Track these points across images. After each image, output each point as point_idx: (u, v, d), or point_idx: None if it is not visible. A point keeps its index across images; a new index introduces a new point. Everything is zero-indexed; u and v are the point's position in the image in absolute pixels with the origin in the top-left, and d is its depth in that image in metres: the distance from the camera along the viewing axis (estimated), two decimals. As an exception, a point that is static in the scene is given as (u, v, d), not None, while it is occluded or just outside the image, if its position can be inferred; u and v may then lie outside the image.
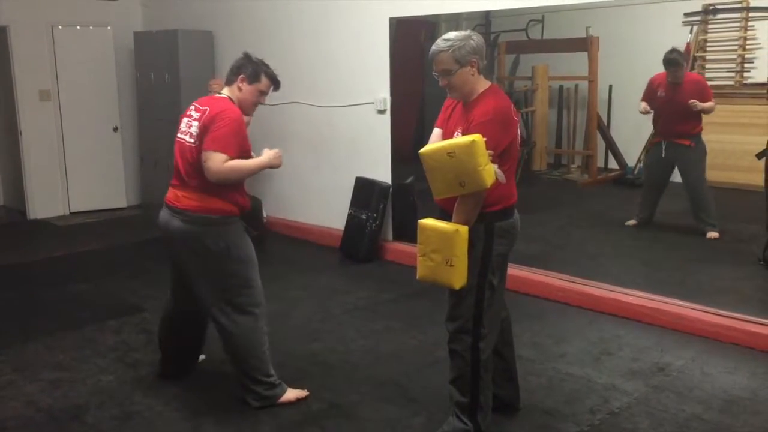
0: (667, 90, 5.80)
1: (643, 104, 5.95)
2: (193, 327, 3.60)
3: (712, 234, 5.76)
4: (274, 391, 3.37)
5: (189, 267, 3.31)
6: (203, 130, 3.15)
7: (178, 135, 3.32)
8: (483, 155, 2.57)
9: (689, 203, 5.91)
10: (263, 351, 3.35)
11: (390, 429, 3.19)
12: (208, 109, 3.21)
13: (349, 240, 5.98)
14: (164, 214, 3.32)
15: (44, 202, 7.56)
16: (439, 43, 2.80)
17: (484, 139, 2.61)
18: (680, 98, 5.70)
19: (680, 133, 5.79)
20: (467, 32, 2.82)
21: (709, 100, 5.70)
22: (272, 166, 3.31)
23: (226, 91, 3.34)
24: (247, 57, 3.38)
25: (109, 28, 7.63)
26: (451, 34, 2.80)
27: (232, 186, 3.24)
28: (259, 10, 6.70)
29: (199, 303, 3.37)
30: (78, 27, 7.50)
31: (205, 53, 7.11)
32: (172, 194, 3.31)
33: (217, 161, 3.09)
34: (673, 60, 5.70)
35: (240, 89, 3.30)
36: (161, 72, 7.08)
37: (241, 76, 3.30)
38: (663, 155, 5.87)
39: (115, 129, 7.80)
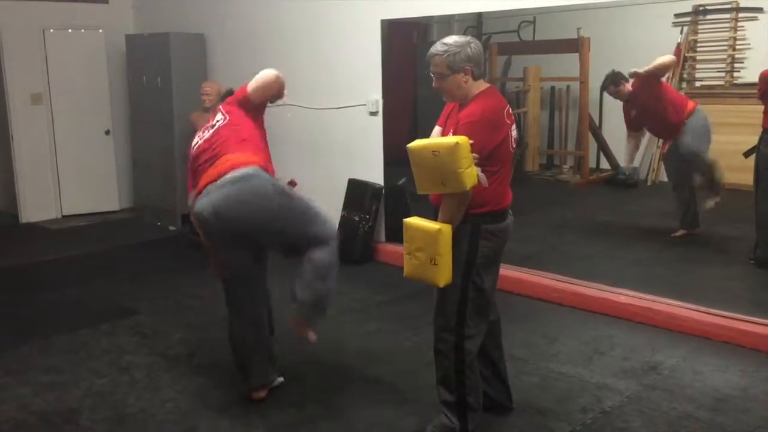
0: (632, 106, 5.79)
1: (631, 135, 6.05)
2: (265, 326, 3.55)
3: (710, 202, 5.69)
4: None
5: (244, 234, 3.19)
6: (228, 107, 3.46)
7: (204, 141, 3.41)
8: (466, 158, 2.59)
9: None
10: None
11: (384, 429, 3.20)
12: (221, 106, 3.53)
13: (342, 242, 5.96)
14: (203, 199, 3.16)
15: (36, 206, 7.54)
16: (437, 46, 2.82)
17: (471, 141, 2.63)
18: (644, 102, 5.66)
19: (674, 126, 5.70)
20: (467, 38, 2.83)
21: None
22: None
23: None
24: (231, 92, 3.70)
25: (101, 31, 7.62)
26: (450, 39, 2.82)
27: (265, 152, 3.44)
28: (250, 13, 6.70)
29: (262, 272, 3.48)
30: (70, 30, 7.49)
31: (197, 56, 7.11)
32: (206, 177, 3.22)
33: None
34: (603, 87, 5.89)
35: None
36: (153, 75, 7.08)
37: None
38: (670, 151, 5.84)
39: (107, 132, 7.79)
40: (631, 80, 5.69)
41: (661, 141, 7.58)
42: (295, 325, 3.31)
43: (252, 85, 3.41)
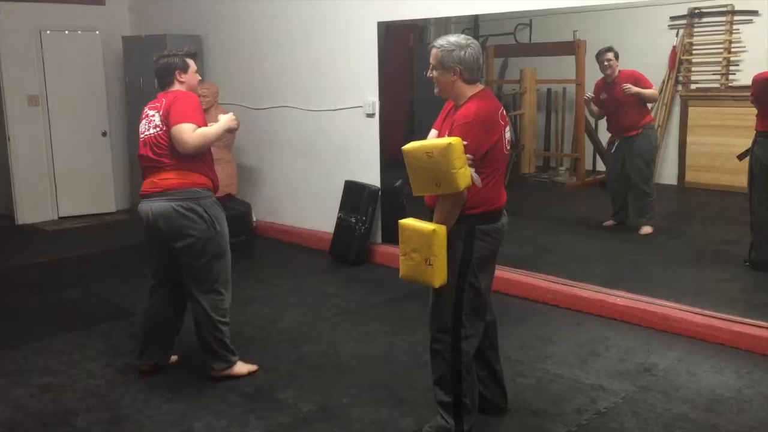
0: (606, 90, 6.02)
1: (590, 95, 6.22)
2: (177, 314, 3.75)
3: (646, 229, 5.91)
4: (232, 361, 3.67)
5: (176, 247, 3.46)
6: (166, 116, 3.42)
7: (142, 136, 3.54)
8: (459, 158, 2.61)
9: (628, 196, 6.11)
10: (226, 322, 3.63)
11: (380, 430, 3.21)
12: (164, 100, 3.49)
13: (338, 243, 5.99)
14: (144, 204, 3.48)
15: (33, 207, 7.54)
16: (439, 40, 2.88)
17: (465, 142, 2.65)
18: (617, 94, 5.93)
19: (627, 127, 6.00)
20: (468, 42, 2.85)
21: (648, 88, 5.89)
22: (230, 128, 3.60)
23: (173, 89, 3.58)
24: (162, 56, 3.61)
25: (97, 32, 7.63)
26: (453, 38, 2.87)
27: (202, 161, 3.52)
28: (247, 15, 6.71)
29: (181, 285, 3.62)
30: (66, 32, 7.49)
31: (194, 58, 7.10)
32: (148, 184, 3.49)
33: (188, 130, 3.36)
34: (600, 51, 5.98)
35: (182, 81, 3.58)
36: (150, 77, 7.03)
37: (177, 71, 3.56)
38: (614, 151, 6.04)
39: (104, 134, 7.79)
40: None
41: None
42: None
43: (198, 145, 3.40)
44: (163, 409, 3.42)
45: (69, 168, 7.64)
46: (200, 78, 3.72)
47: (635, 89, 5.80)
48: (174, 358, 3.88)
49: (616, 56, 5.91)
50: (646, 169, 5.98)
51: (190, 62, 3.60)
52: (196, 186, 3.45)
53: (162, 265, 3.62)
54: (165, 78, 3.57)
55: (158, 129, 3.45)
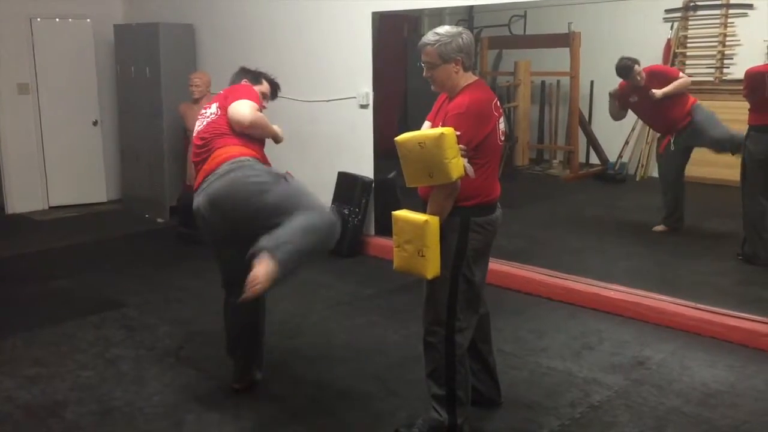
0: (636, 93, 5.76)
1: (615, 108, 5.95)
2: (260, 315, 3.49)
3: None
4: None
5: (240, 221, 3.07)
6: (224, 100, 3.25)
7: (194, 133, 3.36)
8: (451, 148, 2.59)
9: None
10: None
11: (373, 423, 3.19)
12: (222, 91, 3.35)
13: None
14: (198, 196, 3.15)
15: (23, 197, 7.48)
16: (429, 36, 2.83)
17: (458, 132, 2.64)
18: (651, 96, 5.67)
19: (677, 119, 5.70)
20: (458, 29, 2.84)
21: (675, 79, 5.63)
22: (277, 136, 3.42)
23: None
24: (244, 69, 3.52)
25: (88, 20, 7.55)
26: (442, 29, 2.83)
27: (252, 143, 3.22)
28: (240, 4, 6.66)
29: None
30: (57, 19, 7.42)
31: (186, 47, 7.06)
32: (201, 174, 3.18)
33: (249, 105, 3.17)
34: (622, 67, 5.68)
35: None
36: (142, 65, 7.02)
37: (244, 80, 3.43)
38: (673, 147, 5.75)
39: (95, 123, 7.73)
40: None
41: (649, 137, 7.64)
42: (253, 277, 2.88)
43: (256, 121, 3.17)
44: (154, 401, 3.39)
45: (60, 157, 7.58)
46: (263, 107, 3.44)
47: (660, 93, 5.54)
48: (258, 376, 3.54)
49: (638, 63, 5.67)
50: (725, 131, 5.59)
51: (264, 86, 3.51)
52: (246, 156, 3.13)
53: (233, 263, 3.15)
54: (234, 79, 3.47)
55: (213, 115, 3.25)
